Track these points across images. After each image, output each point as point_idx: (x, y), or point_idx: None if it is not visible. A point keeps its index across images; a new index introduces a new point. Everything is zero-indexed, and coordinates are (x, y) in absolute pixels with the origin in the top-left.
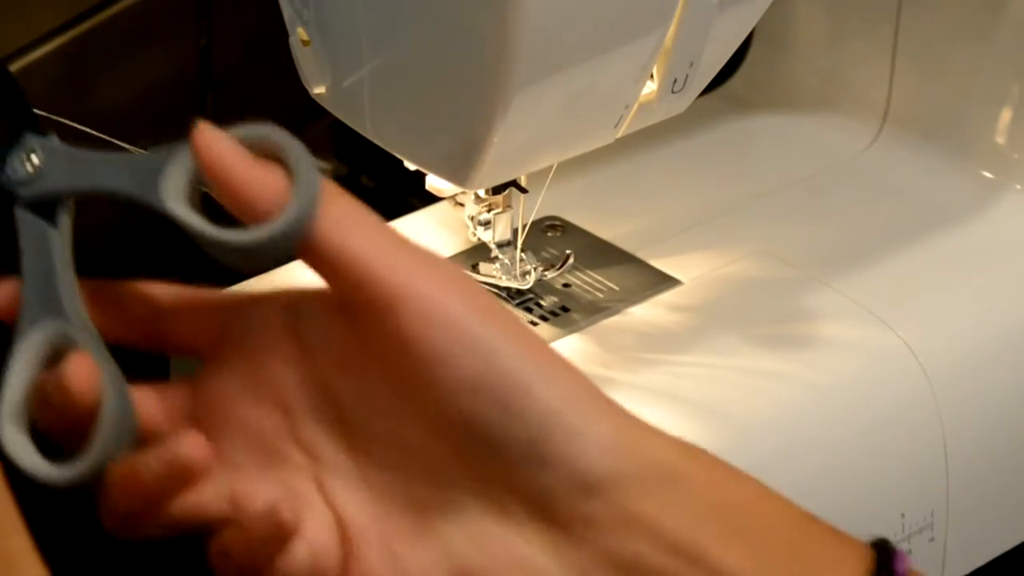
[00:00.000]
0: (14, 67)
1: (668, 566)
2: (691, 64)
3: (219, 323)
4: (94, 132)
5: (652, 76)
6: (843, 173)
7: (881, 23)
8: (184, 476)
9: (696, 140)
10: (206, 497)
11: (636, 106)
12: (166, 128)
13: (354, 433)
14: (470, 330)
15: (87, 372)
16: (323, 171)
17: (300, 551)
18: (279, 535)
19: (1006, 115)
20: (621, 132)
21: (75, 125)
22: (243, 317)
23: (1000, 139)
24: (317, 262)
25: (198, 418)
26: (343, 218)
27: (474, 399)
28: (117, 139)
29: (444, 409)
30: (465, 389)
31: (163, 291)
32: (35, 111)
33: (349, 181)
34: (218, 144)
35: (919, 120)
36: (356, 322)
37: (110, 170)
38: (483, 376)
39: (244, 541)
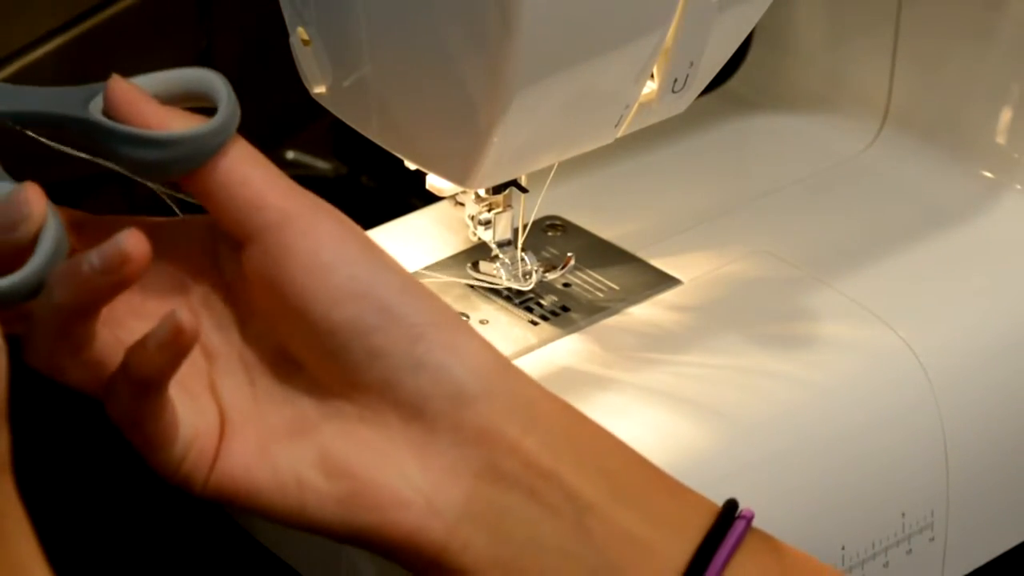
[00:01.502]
0: (14, 67)
1: (524, 478)
2: (691, 64)
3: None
4: None
5: (652, 76)
6: (843, 173)
7: (881, 23)
8: (122, 270)
9: (696, 140)
10: (125, 338)
11: (636, 106)
12: None
13: (247, 343)
14: (355, 244)
15: (39, 192)
16: (323, 171)
17: (185, 427)
18: (179, 339)
19: (1006, 115)
20: (621, 132)
21: None
22: (168, 231)
23: (1000, 139)
24: (217, 185)
25: (112, 309)
26: (247, 150)
27: (358, 304)
28: None
29: (329, 315)
30: (350, 294)
31: (82, 214)
32: None
33: (349, 181)
34: (129, 93)
35: (919, 120)
36: (248, 245)
37: (45, 98)
38: (367, 282)
39: (142, 349)
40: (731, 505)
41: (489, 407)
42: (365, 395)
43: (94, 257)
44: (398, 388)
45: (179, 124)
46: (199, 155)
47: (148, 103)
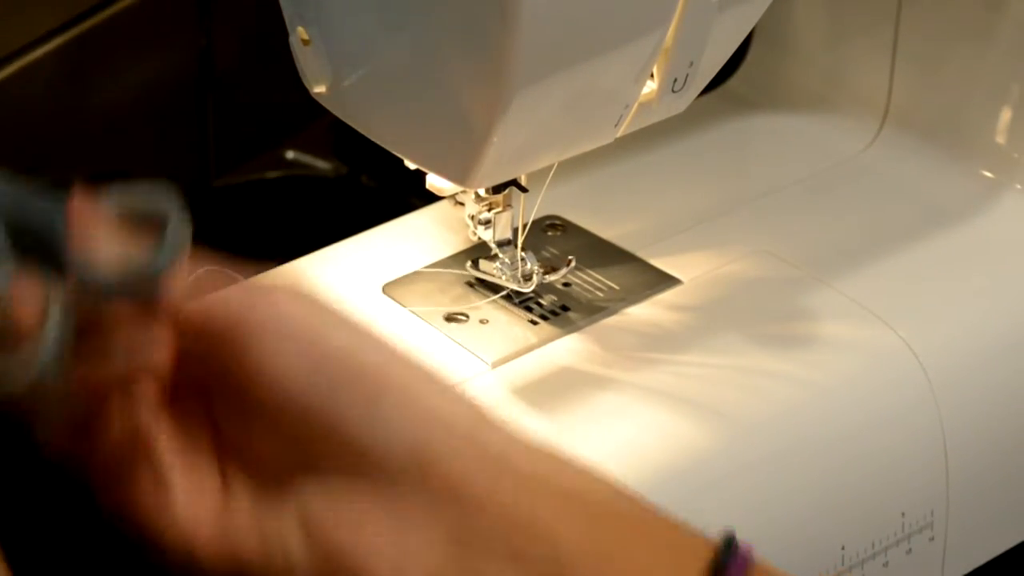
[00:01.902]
0: (14, 67)
1: (499, 531)
2: (691, 64)
3: None
4: None
5: (652, 76)
6: (843, 173)
7: (881, 23)
8: None
9: (696, 140)
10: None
11: (636, 106)
12: (166, 129)
13: (238, 429)
14: (292, 328)
15: (35, 292)
16: (323, 171)
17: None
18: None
19: (1006, 115)
20: (621, 132)
21: None
22: None
23: (1000, 139)
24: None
25: None
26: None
27: (303, 388)
28: (116, 139)
29: (284, 400)
30: (300, 379)
31: None
32: None
33: (349, 181)
34: (81, 214)
35: (919, 120)
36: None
37: (16, 198)
38: (314, 362)
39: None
40: (728, 541)
41: (449, 466)
42: (335, 461)
43: None
44: (361, 454)
45: (117, 255)
46: (146, 286)
47: (96, 228)
